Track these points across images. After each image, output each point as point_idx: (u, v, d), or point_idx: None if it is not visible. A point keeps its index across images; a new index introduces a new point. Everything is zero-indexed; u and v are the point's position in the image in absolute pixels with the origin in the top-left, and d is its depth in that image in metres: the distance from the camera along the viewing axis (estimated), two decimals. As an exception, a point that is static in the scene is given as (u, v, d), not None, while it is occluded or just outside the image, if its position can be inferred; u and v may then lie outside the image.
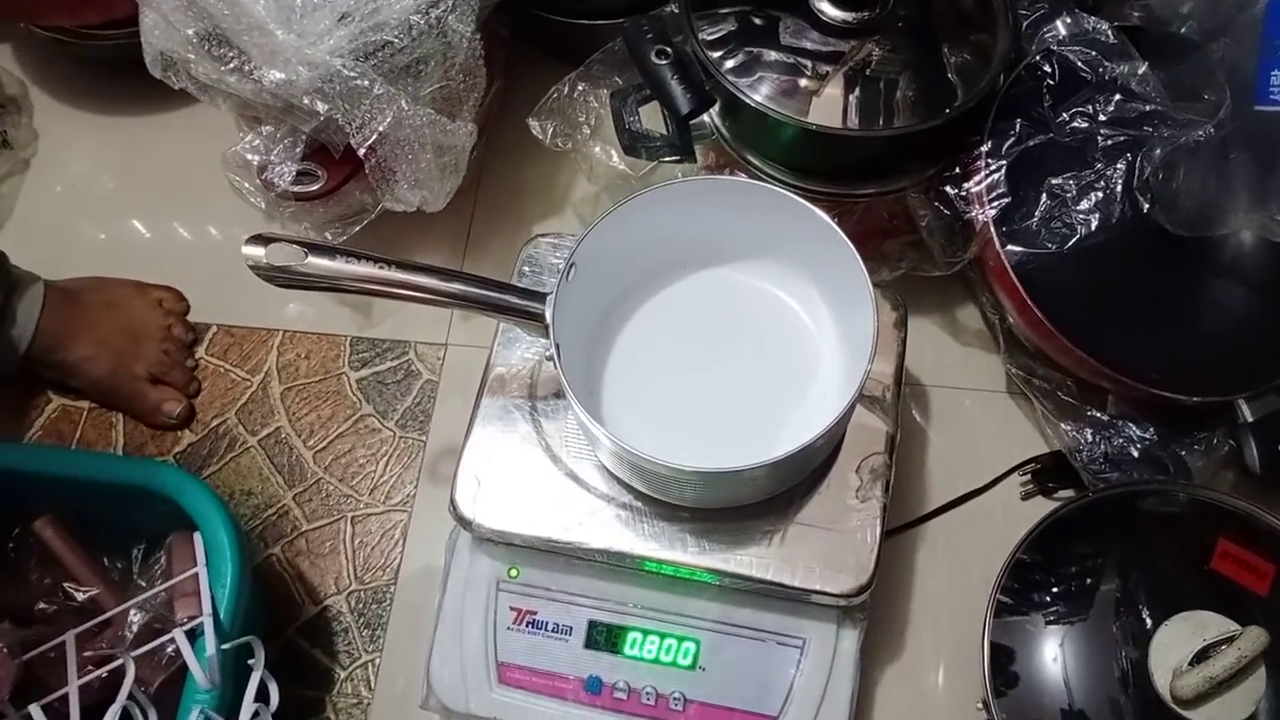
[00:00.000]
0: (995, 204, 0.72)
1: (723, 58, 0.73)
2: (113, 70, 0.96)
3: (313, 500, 0.81)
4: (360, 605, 0.78)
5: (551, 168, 0.92)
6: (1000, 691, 0.65)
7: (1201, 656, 0.62)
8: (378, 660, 0.76)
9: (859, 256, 0.62)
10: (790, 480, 0.65)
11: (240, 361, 0.87)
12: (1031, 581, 0.69)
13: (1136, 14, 0.79)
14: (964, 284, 0.83)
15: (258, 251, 0.59)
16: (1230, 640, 0.62)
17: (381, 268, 0.60)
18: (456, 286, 0.61)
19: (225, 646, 0.60)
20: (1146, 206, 0.70)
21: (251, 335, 0.88)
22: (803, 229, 0.65)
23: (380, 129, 0.72)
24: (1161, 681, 0.63)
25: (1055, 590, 0.69)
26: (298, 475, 0.82)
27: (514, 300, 0.62)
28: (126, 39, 0.79)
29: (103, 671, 0.64)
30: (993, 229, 0.72)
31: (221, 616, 0.63)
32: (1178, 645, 0.63)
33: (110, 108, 0.99)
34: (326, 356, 0.87)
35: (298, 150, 0.77)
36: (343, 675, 0.76)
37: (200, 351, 0.88)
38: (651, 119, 0.77)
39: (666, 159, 0.77)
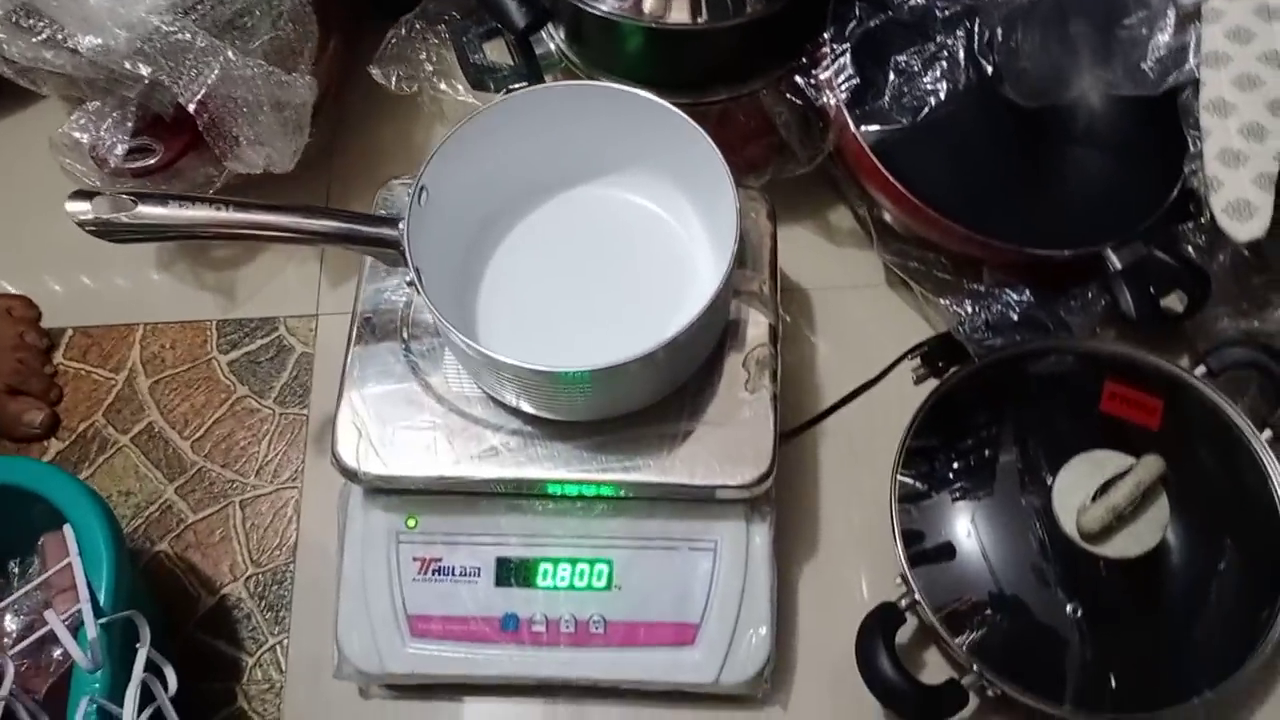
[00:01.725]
0: (845, 87, 0.71)
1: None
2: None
3: (196, 490, 0.77)
4: (260, 589, 0.74)
5: (406, 119, 0.89)
6: (915, 561, 0.65)
7: (1102, 491, 0.63)
8: (285, 641, 0.72)
9: (709, 138, 0.61)
10: (679, 376, 0.64)
11: (101, 361, 0.82)
12: (933, 459, 0.69)
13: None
14: (832, 185, 0.83)
15: (83, 206, 0.56)
16: (1129, 472, 0.62)
17: (218, 209, 0.57)
18: (303, 220, 0.59)
19: (103, 621, 0.56)
20: (990, 69, 0.71)
21: (110, 333, 0.83)
22: (651, 124, 0.64)
23: (208, 82, 0.69)
24: (1067, 521, 0.63)
25: (956, 466, 0.69)
26: (177, 467, 0.78)
27: (364, 228, 0.60)
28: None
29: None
30: (846, 112, 0.71)
31: (101, 603, 0.59)
32: (1079, 485, 0.64)
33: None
34: (193, 344, 0.82)
35: (128, 124, 0.74)
36: (251, 662, 0.72)
37: (58, 356, 0.82)
38: (496, 51, 0.76)
39: (515, 87, 0.75)
